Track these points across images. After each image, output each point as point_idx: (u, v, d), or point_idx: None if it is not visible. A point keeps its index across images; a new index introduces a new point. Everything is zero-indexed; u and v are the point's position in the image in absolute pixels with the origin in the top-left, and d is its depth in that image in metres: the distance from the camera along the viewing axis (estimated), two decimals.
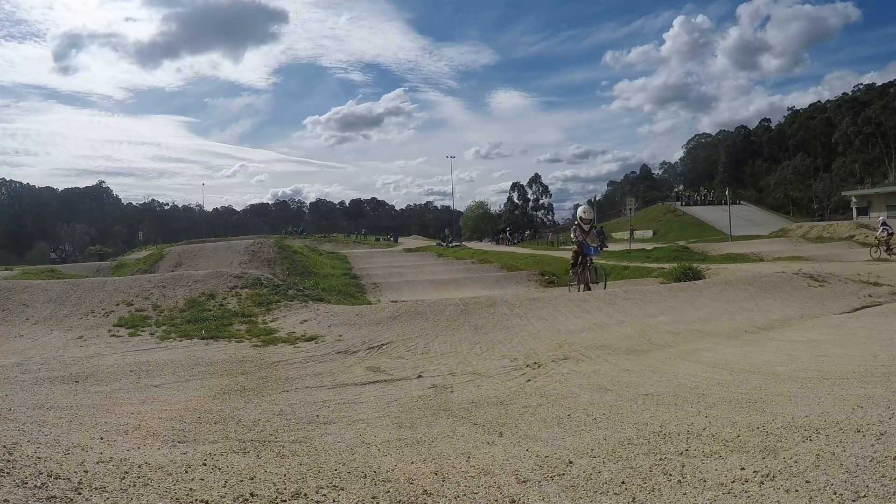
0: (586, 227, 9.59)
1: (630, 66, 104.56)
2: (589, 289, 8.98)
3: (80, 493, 1.69)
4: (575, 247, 9.85)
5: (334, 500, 1.80)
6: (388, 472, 2.06)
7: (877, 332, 4.61)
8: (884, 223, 18.13)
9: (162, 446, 2.32)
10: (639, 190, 65.87)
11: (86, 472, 1.87)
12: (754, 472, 1.78)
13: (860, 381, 2.85)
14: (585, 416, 2.69)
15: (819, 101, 63.22)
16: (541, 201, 73.92)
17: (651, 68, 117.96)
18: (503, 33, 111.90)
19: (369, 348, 5.05)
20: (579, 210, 10.15)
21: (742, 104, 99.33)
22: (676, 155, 79.52)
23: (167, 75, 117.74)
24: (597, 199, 50.20)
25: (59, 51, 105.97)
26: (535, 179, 74.35)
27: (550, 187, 76.49)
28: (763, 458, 1.88)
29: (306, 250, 22.70)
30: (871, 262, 11.32)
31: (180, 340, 5.56)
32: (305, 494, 1.83)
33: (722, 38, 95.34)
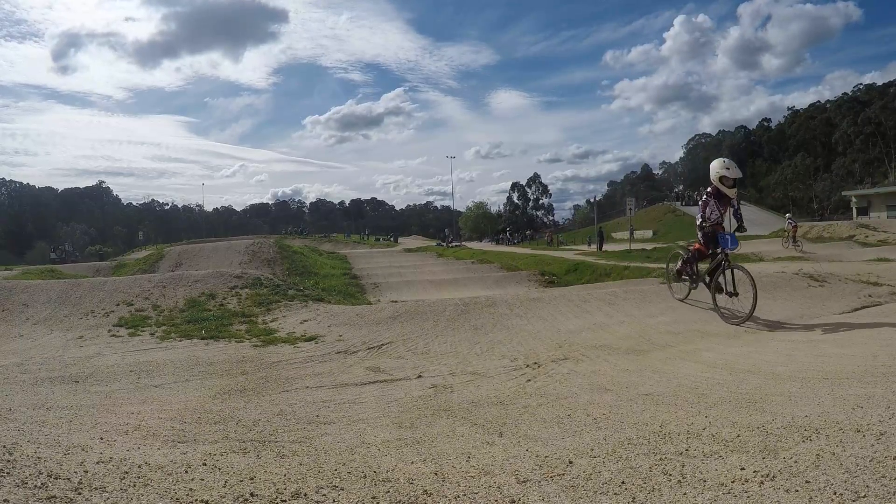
0: (732, 192, 5.88)
1: (630, 66, 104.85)
2: (718, 302, 5.71)
3: (80, 493, 1.69)
4: (698, 238, 6.14)
5: (334, 500, 1.80)
6: (388, 472, 2.06)
7: (877, 332, 4.61)
8: (790, 219, 22.77)
9: (162, 446, 2.32)
10: (639, 190, 65.95)
11: (86, 472, 1.87)
12: (754, 472, 1.78)
13: (860, 381, 2.85)
14: (585, 417, 2.69)
15: (819, 102, 63.28)
16: (541, 201, 74.02)
17: (651, 68, 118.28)
18: (503, 33, 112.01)
19: (369, 348, 5.05)
20: (716, 166, 5.85)
21: (743, 104, 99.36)
22: (677, 155, 79.61)
23: (167, 75, 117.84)
24: (597, 199, 50.20)
25: (58, 50, 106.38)
26: (535, 179, 74.51)
27: (551, 187, 76.80)
28: (763, 458, 1.88)
29: (306, 250, 22.71)
30: (872, 262, 11.40)
31: (180, 340, 5.56)
32: (305, 494, 1.83)
33: (723, 38, 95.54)
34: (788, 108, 67.22)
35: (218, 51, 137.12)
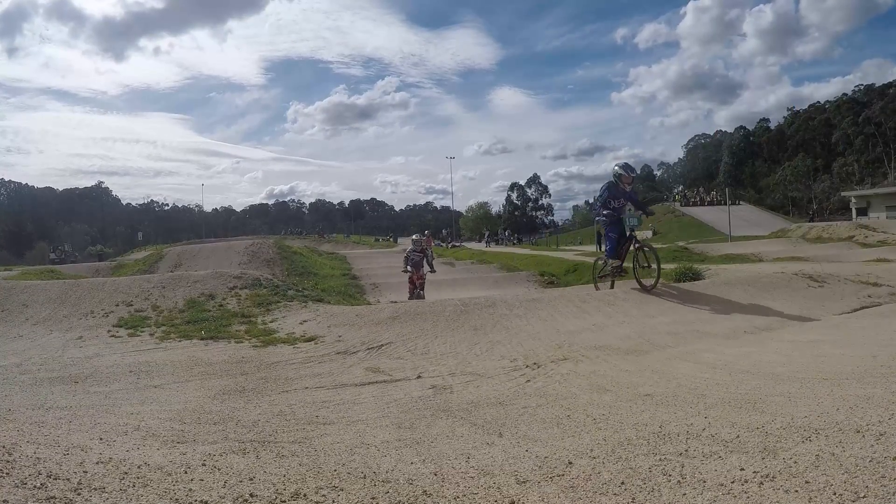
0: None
1: (641, 63, 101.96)
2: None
3: (79, 494, 1.69)
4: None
5: (334, 501, 1.80)
6: (387, 472, 2.06)
7: (877, 333, 4.61)
8: None
9: (161, 447, 2.32)
10: (638, 190, 65.86)
11: (85, 472, 1.87)
12: (754, 472, 1.78)
13: (860, 382, 2.85)
14: (585, 417, 2.69)
15: (825, 101, 62.73)
16: (540, 201, 73.87)
17: (662, 67, 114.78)
18: (508, 30, 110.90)
19: (369, 349, 5.05)
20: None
21: (762, 95, 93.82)
22: (677, 155, 79.03)
23: (162, 70, 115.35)
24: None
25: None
26: (534, 179, 74.36)
27: (555, 185, 76.38)
28: (763, 459, 1.88)
29: (305, 251, 22.71)
30: (871, 263, 11.41)
31: (180, 341, 5.56)
32: (305, 495, 1.83)
33: (749, 25, 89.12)
34: (811, 105, 63.80)
35: (211, 38, 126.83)
